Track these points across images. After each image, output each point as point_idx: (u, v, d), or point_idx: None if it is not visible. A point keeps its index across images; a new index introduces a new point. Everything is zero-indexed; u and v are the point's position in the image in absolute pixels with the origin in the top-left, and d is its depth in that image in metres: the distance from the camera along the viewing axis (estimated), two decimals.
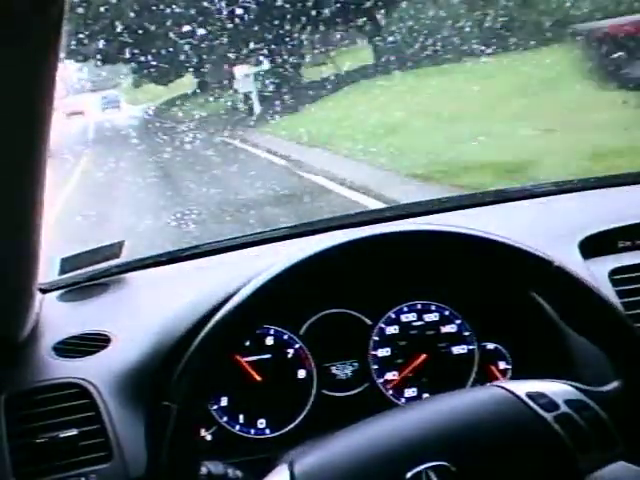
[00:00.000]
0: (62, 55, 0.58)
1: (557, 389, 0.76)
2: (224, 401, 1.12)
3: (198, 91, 13.24)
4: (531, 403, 0.73)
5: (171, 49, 9.90)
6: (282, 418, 1.12)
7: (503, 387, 0.77)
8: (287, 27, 10.75)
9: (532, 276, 0.82)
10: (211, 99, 12.59)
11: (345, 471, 0.70)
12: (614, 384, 0.78)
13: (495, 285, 1.12)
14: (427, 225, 0.84)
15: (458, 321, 1.19)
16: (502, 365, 1.18)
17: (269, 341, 1.15)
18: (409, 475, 0.68)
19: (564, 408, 0.73)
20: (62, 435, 0.94)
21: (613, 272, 1.13)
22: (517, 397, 0.74)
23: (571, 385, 0.76)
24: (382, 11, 11.77)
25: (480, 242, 0.81)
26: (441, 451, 0.70)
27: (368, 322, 1.18)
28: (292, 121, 9.91)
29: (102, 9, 9.45)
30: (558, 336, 1.08)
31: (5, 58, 0.53)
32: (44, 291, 1.20)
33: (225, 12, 9.66)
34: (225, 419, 1.12)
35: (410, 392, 1.16)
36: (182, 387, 0.73)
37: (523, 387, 0.76)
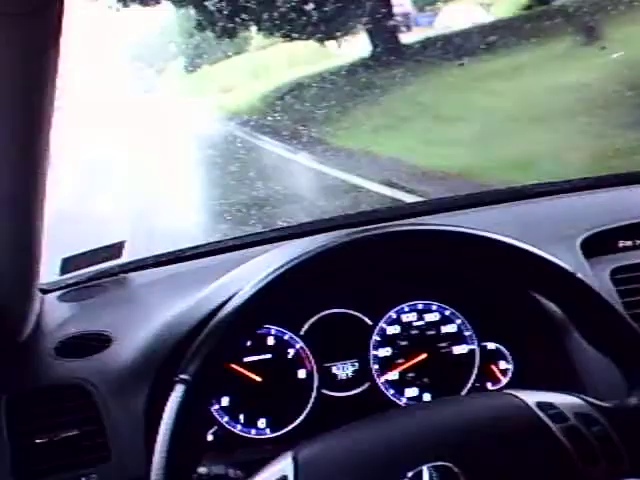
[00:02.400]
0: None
1: (568, 401, 0.76)
2: (225, 401, 1.12)
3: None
4: (540, 413, 0.73)
5: None
6: (283, 418, 1.12)
7: (513, 395, 0.77)
8: None
9: (551, 285, 0.81)
10: None
11: (348, 464, 0.70)
12: (627, 401, 0.78)
13: (496, 285, 1.11)
14: (444, 226, 0.83)
15: (459, 321, 1.19)
16: (503, 365, 1.18)
17: (270, 341, 1.15)
18: (410, 474, 0.68)
19: (573, 421, 0.73)
20: (62, 435, 0.94)
21: (614, 272, 1.13)
22: (527, 405, 0.74)
23: (582, 399, 0.76)
24: None
25: (496, 245, 0.80)
26: (444, 452, 0.70)
27: (369, 322, 1.18)
28: None
29: None
30: (559, 336, 1.08)
31: (5, 58, 0.53)
32: (45, 291, 1.20)
33: None
34: (226, 419, 1.12)
35: (411, 392, 1.16)
36: (181, 389, 0.73)
37: (534, 397, 0.76)
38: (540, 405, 0.74)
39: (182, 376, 0.73)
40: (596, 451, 0.71)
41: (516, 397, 0.76)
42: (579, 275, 0.79)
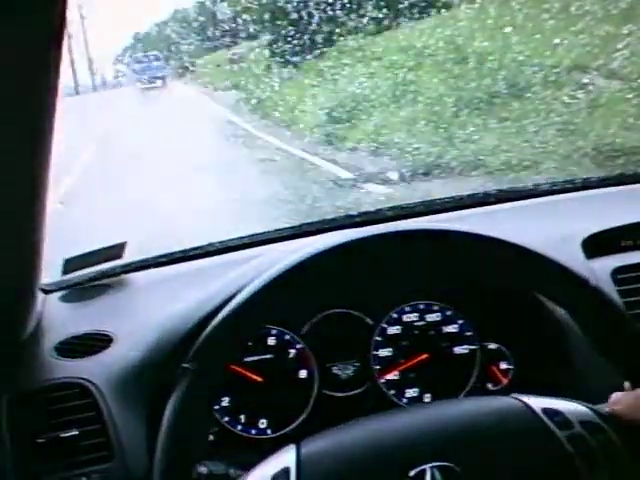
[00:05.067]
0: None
1: (573, 409, 0.75)
2: (225, 401, 1.12)
3: None
4: (545, 419, 0.73)
5: None
6: (283, 418, 1.12)
7: (519, 399, 0.77)
8: None
9: (552, 285, 0.81)
10: None
11: (350, 460, 0.70)
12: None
13: (497, 285, 1.11)
14: (445, 226, 0.83)
15: (460, 321, 1.19)
16: (504, 365, 1.18)
17: (271, 341, 1.15)
18: (412, 473, 0.68)
19: (578, 428, 0.72)
20: (64, 435, 0.94)
21: (616, 271, 1.13)
22: (532, 411, 0.74)
23: (588, 407, 0.76)
24: None
25: (496, 245, 0.80)
26: (447, 452, 0.70)
27: (370, 322, 1.18)
28: None
29: None
30: (560, 336, 1.08)
31: (5, 58, 0.53)
32: (46, 291, 1.20)
33: None
34: (227, 419, 1.12)
35: (412, 392, 1.16)
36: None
37: (540, 402, 0.76)
38: (546, 411, 0.74)
39: (183, 376, 0.73)
40: (600, 459, 0.71)
41: (521, 401, 0.76)
42: (580, 274, 0.79)
